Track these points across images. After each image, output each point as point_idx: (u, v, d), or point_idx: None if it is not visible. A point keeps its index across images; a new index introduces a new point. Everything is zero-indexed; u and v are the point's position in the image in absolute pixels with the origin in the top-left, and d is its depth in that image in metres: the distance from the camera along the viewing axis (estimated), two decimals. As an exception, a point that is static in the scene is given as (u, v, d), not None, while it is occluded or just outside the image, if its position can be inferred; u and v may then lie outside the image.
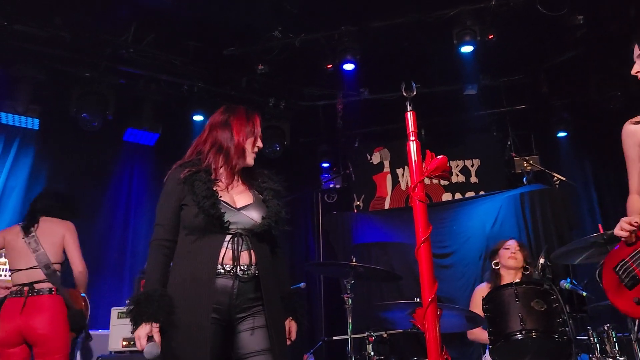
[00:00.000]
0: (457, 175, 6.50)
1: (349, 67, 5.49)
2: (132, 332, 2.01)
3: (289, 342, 2.28)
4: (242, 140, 2.26)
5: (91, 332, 4.66)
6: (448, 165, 2.24)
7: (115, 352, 4.22)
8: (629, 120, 2.42)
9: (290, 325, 2.31)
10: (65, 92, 5.46)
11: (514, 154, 5.83)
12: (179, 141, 5.94)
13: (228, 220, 2.12)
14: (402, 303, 3.59)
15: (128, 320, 4.27)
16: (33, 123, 5.45)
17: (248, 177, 2.34)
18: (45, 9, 5.11)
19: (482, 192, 6.23)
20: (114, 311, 4.37)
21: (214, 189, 2.17)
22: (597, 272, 2.40)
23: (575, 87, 6.09)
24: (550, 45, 5.83)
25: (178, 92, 5.98)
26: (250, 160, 2.30)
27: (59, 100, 5.50)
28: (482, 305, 3.39)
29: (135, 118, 5.84)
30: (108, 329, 4.36)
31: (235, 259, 2.09)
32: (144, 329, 1.98)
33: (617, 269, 2.24)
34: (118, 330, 4.27)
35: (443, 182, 6.43)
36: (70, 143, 5.79)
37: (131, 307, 2.03)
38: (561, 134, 6.21)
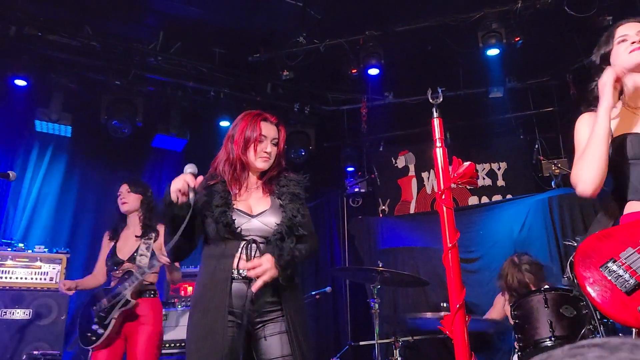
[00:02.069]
0: (484, 178, 6.45)
1: (373, 71, 5.51)
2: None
3: (250, 266, 2.11)
4: (239, 150, 2.29)
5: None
6: (475, 171, 2.25)
7: (146, 354, 4.29)
8: None
9: (267, 258, 2.11)
10: (96, 100, 5.61)
11: (541, 157, 5.75)
12: (207, 147, 6.04)
13: (240, 227, 2.17)
14: (430, 310, 3.58)
15: None
16: (66, 130, 5.60)
17: (270, 181, 2.37)
18: (76, 19, 5.28)
19: (509, 196, 6.16)
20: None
21: (230, 198, 2.24)
22: (568, 263, 2.11)
23: (604, 88, 5.97)
24: (577, 46, 5.74)
25: (205, 99, 6.09)
26: (259, 164, 2.32)
27: (90, 108, 5.65)
28: (511, 311, 3.36)
29: (163, 124, 5.95)
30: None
31: None
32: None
33: (607, 270, 1.87)
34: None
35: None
36: (101, 149, 5.94)
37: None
38: (590, 137, 6.09)
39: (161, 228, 3.56)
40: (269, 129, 2.34)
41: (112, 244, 3.63)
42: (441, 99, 2.23)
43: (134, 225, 3.65)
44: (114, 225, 3.71)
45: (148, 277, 3.43)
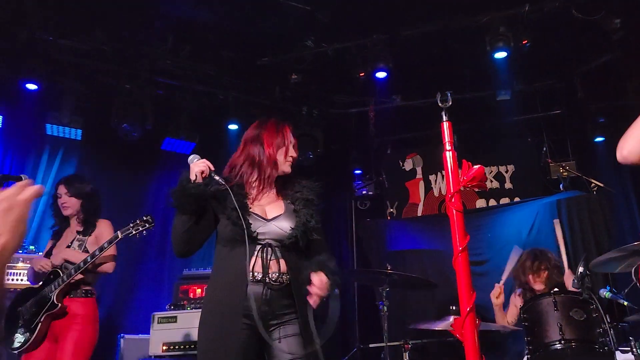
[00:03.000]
0: (492, 181, 6.45)
1: (381, 75, 5.52)
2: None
3: (317, 296, 2.15)
4: (273, 152, 2.35)
5: (130, 336, 4.83)
6: (485, 175, 2.26)
7: (156, 356, 4.33)
8: None
9: (320, 276, 2.16)
10: (106, 104, 5.66)
11: (549, 160, 5.75)
12: (215, 149, 6.08)
13: (256, 231, 2.20)
14: (439, 312, 3.59)
15: (168, 325, 4.35)
16: (76, 134, 5.67)
17: (283, 187, 2.42)
18: (87, 23, 5.33)
19: (517, 199, 6.15)
20: (155, 316, 4.49)
21: (245, 201, 2.27)
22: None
23: (612, 91, 5.97)
24: (586, 49, 5.74)
25: (213, 102, 6.13)
26: (286, 168, 2.40)
27: (100, 112, 5.70)
28: (520, 314, 3.37)
29: (172, 128, 6.00)
30: (149, 334, 4.47)
31: (265, 267, 2.17)
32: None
33: None
34: (158, 335, 4.39)
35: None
36: (111, 153, 5.99)
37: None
38: (598, 139, 6.09)
39: (101, 224, 3.53)
40: (291, 136, 2.44)
41: (53, 242, 3.56)
42: (450, 103, 2.24)
43: (74, 223, 3.57)
44: (57, 226, 3.62)
45: (78, 276, 3.26)
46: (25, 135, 5.62)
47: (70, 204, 3.53)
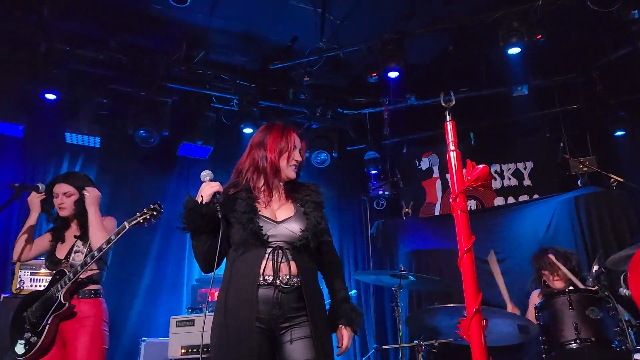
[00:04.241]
0: (509, 178, 6.36)
1: (393, 74, 5.50)
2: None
3: (343, 350, 2.30)
4: (275, 158, 2.36)
5: (152, 340, 4.90)
6: (490, 174, 2.24)
7: (175, 359, 4.38)
8: None
9: (342, 332, 2.32)
10: (123, 111, 5.77)
11: (567, 156, 5.64)
12: (231, 153, 6.14)
13: (267, 234, 2.22)
14: (451, 309, 3.56)
15: (186, 328, 4.28)
16: (95, 141, 5.79)
17: (292, 190, 2.43)
18: (101, 33, 5.45)
19: (536, 196, 6.05)
20: (173, 320, 4.54)
21: (255, 205, 2.29)
22: (621, 277, 2.15)
23: (632, 83, 5.84)
24: (604, 41, 5.63)
25: (228, 107, 6.19)
26: (289, 173, 2.40)
27: (118, 119, 5.82)
28: (535, 313, 3.33)
29: (189, 133, 6.08)
30: (167, 337, 4.54)
31: (275, 270, 2.18)
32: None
33: None
34: (177, 338, 4.44)
35: (495, 186, 6.31)
36: (129, 159, 6.10)
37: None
38: (619, 133, 5.96)
39: (106, 219, 3.33)
40: (297, 140, 2.44)
41: (53, 244, 3.34)
42: (454, 103, 2.22)
43: (74, 225, 3.37)
44: (58, 227, 3.39)
45: (84, 275, 3.12)
46: (46, 144, 5.74)
47: (67, 204, 3.32)
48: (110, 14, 5.23)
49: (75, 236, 3.30)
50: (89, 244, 3.21)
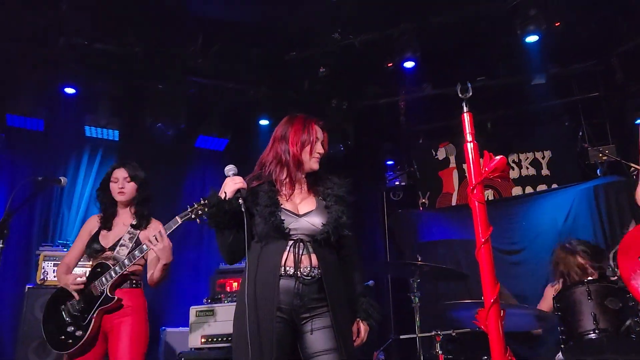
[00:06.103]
0: (527, 168, 6.30)
1: (409, 64, 5.47)
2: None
3: (359, 343, 2.34)
4: (297, 151, 2.37)
5: (172, 329, 4.99)
6: (507, 165, 2.23)
7: (195, 348, 4.45)
8: None
9: (359, 326, 2.37)
10: (140, 104, 5.83)
11: (586, 145, 5.57)
12: (247, 145, 6.19)
13: (288, 227, 2.25)
14: (470, 302, 3.57)
15: (206, 318, 4.31)
16: (114, 135, 5.88)
17: (314, 183, 2.46)
18: (119, 27, 5.48)
19: (554, 185, 5.99)
20: (193, 310, 4.60)
21: (277, 198, 2.32)
22: (611, 254, 2.11)
23: (653, 70, 5.73)
24: (623, 28, 5.53)
25: (244, 98, 6.21)
26: (313, 165, 2.41)
27: (135, 112, 5.89)
28: (554, 303, 3.32)
29: (205, 125, 6.13)
30: (188, 327, 4.61)
31: (297, 262, 2.22)
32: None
33: None
34: (197, 328, 4.51)
35: (512, 176, 6.26)
36: (147, 151, 6.15)
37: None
38: (639, 121, 5.86)
39: (154, 223, 3.30)
40: (319, 132, 2.45)
41: (97, 230, 3.28)
42: (470, 94, 2.22)
43: (124, 213, 3.34)
44: (106, 212, 3.33)
45: (129, 268, 3.11)
46: (66, 138, 5.84)
47: (127, 189, 3.29)
48: (126, 7, 5.27)
49: (132, 225, 3.27)
50: (136, 239, 3.21)
